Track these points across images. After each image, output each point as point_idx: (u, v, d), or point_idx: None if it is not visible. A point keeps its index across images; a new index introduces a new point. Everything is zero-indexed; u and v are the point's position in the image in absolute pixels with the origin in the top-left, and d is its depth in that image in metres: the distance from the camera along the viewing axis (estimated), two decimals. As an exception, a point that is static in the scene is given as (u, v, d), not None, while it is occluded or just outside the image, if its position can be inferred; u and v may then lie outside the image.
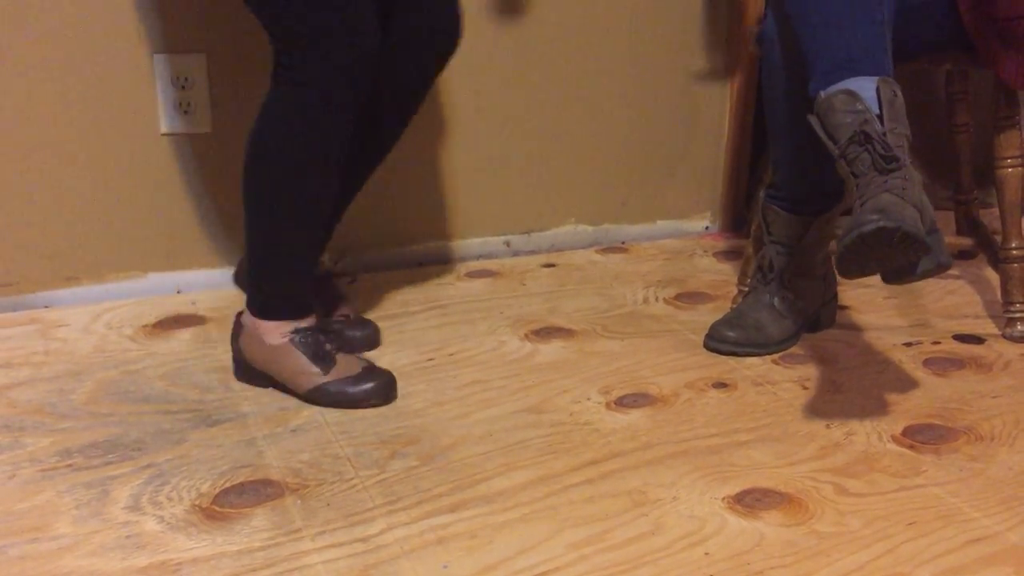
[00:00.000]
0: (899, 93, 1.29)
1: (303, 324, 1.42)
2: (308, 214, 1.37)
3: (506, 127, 2.06)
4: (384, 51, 1.43)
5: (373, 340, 1.60)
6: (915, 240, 1.17)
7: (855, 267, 1.22)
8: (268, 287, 1.42)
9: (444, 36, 1.49)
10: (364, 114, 1.45)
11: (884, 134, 1.24)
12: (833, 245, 1.46)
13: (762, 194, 1.66)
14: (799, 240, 1.62)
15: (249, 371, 1.46)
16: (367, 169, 1.56)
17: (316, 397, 1.40)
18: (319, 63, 1.28)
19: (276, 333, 1.41)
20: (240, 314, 1.46)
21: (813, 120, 1.31)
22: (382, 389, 1.41)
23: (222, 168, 1.83)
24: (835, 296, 1.73)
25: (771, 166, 1.65)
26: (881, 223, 1.16)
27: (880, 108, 1.27)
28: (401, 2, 1.45)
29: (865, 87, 1.28)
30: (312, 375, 1.40)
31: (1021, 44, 1.56)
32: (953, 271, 2.00)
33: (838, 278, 1.73)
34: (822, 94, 1.30)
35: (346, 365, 1.41)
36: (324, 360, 1.40)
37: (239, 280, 1.67)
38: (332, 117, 1.32)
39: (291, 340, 1.41)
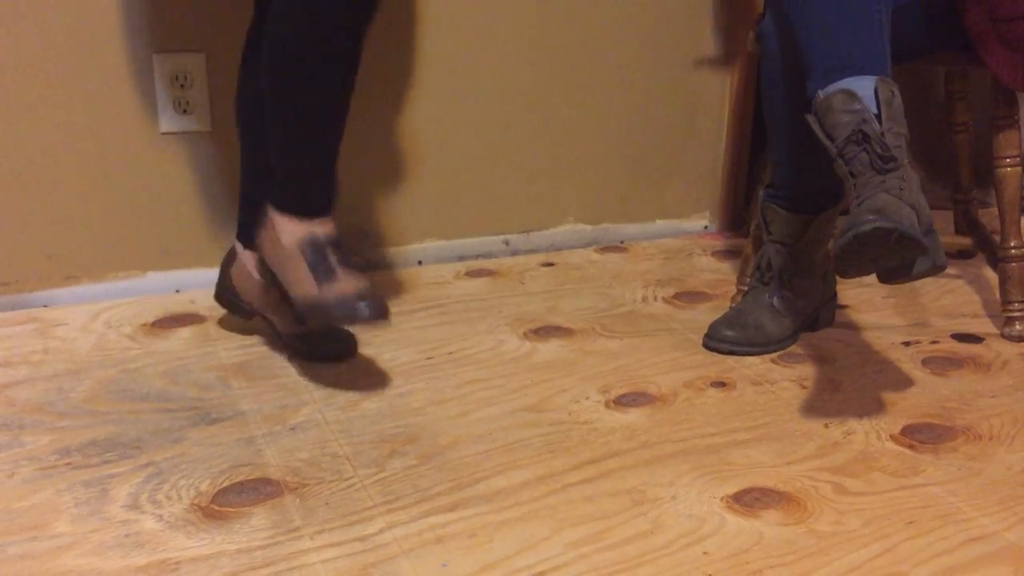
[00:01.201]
0: (897, 93, 1.29)
1: (316, 230, 1.41)
2: (322, 103, 1.37)
3: (505, 126, 2.07)
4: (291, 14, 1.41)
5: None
6: (912, 241, 1.17)
7: (851, 267, 1.23)
8: (288, 179, 1.41)
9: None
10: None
11: (882, 134, 1.25)
12: (831, 244, 1.46)
13: (761, 193, 1.67)
14: (798, 239, 1.62)
15: (235, 302, 1.54)
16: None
17: (307, 306, 1.40)
18: None
19: (289, 235, 1.42)
20: (263, 214, 1.47)
21: (811, 119, 1.31)
22: (373, 310, 1.38)
23: (221, 167, 1.83)
24: (834, 295, 1.73)
25: (770, 165, 1.65)
26: (878, 224, 1.16)
27: (878, 108, 1.27)
28: None
29: (863, 87, 1.28)
30: (307, 284, 1.40)
31: (1019, 45, 1.57)
32: (952, 270, 2.01)
33: (837, 277, 1.74)
34: (820, 94, 1.30)
35: (344, 283, 1.39)
36: (324, 274, 1.39)
37: (220, 298, 1.65)
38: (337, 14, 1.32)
39: (299, 246, 1.41)
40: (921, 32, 1.61)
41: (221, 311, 1.73)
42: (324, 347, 1.55)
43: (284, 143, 1.41)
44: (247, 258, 1.56)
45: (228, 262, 1.60)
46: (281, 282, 1.45)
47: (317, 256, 1.41)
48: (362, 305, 1.37)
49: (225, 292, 1.61)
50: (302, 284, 1.40)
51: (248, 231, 1.55)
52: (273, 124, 1.41)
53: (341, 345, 1.57)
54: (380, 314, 1.39)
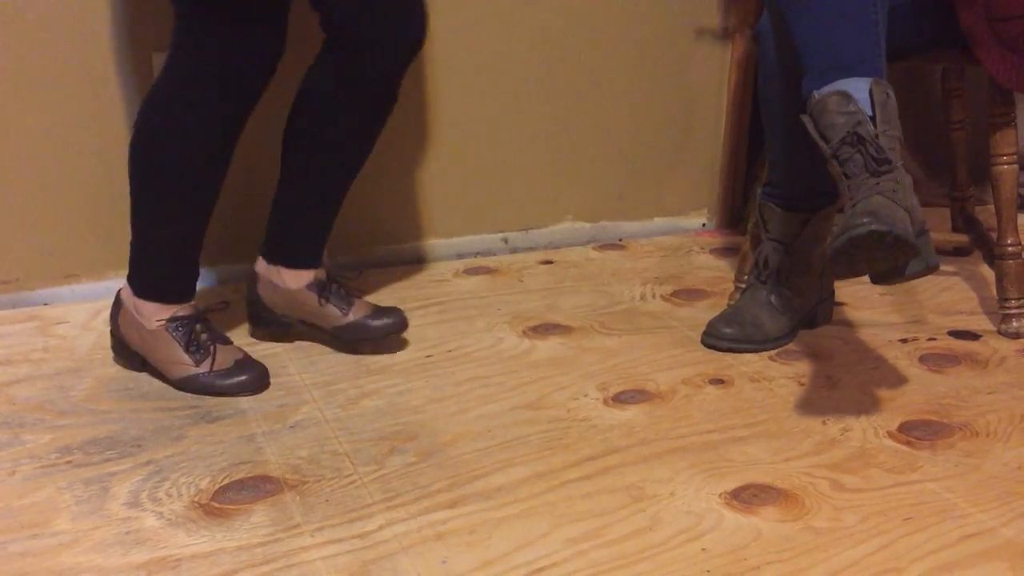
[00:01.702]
0: (892, 95, 1.30)
1: (180, 312, 1.44)
2: (189, 200, 1.39)
3: (503, 125, 2.07)
4: (345, 55, 1.44)
5: (400, 324, 1.58)
6: (905, 243, 1.18)
7: (845, 268, 1.23)
8: (147, 267, 1.44)
9: (405, 41, 1.47)
10: (333, 119, 1.48)
11: (876, 136, 1.25)
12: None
13: (759, 191, 1.67)
14: (796, 237, 1.62)
15: (126, 352, 1.49)
16: (346, 177, 1.56)
17: (187, 386, 1.43)
18: (214, 57, 1.31)
19: (152, 318, 1.44)
20: (120, 290, 1.48)
21: (806, 120, 1.31)
22: (252, 383, 1.44)
23: (220, 165, 1.83)
24: (832, 293, 1.73)
25: (768, 164, 1.66)
26: (872, 226, 1.16)
27: (873, 110, 1.27)
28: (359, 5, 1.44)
29: (858, 88, 1.28)
30: (184, 365, 1.43)
31: (1015, 44, 1.57)
32: (949, 268, 2.01)
33: (834, 275, 1.74)
34: (816, 94, 1.30)
35: (220, 357, 1.44)
36: (197, 351, 1.43)
37: (258, 321, 1.65)
38: (211, 121, 1.34)
39: (166, 327, 1.43)
40: (917, 31, 1.61)
41: (220, 310, 1.73)
42: (376, 326, 1.55)
43: (143, 234, 1.43)
44: (273, 273, 1.57)
45: (251, 285, 1.60)
46: (150, 363, 1.47)
47: (190, 335, 1.44)
48: (245, 378, 1.43)
49: (259, 312, 1.60)
50: (178, 365, 1.43)
51: (274, 249, 1.57)
52: (135, 213, 1.43)
53: (394, 317, 1.56)
54: (261, 384, 1.45)
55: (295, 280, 1.56)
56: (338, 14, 1.42)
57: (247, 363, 1.45)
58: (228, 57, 1.31)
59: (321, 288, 1.56)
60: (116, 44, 1.72)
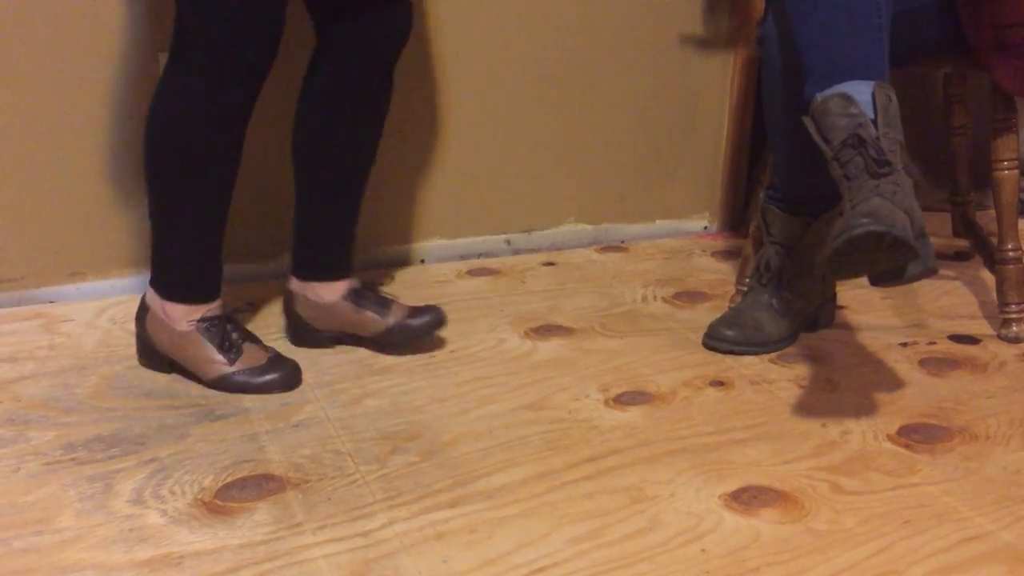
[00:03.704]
0: (894, 98, 1.30)
1: (210, 312, 1.45)
2: (206, 192, 1.39)
3: (507, 126, 2.07)
4: (337, 52, 1.46)
5: (439, 320, 1.59)
6: (904, 245, 1.18)
7: (844, 269, 1.23)
8: (171, 268, 1.44)
9: (394, 30, 1.49)
10: (332, 118, 1.49)
11: (878, 138, 1.25)
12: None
13: (762, 195, 1.67)
14: (798, 241, 1.63)
15: (152, 355, 1.49)
16: (360, 180, 1.57)
17: (221, 386, 1.44)
18: (213, 49, 1.31)
19: (183, 320, 1.44)
20: (145, 294, 1.48)
21: (808, 122, 1.32)
22: (285, 379, 1.45)
23: (225, 165, 1.84)
24: (834, 296, 1.74)
25: (770, 167, 1.66)
26: (871, 227, 1.17)
27: (875, 113, 1.27)
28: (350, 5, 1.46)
29: (861, 91, 1.29)
30: (217, 364, 1.43)
31: (1019, 50, 1.57)
32: (949, 272, 2.01)
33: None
34: (818, 97, 1.31)
35: (251, 355, 1.44)
36: (230, 350, 1.44)
37: (301, 339, 1.65)
38: (223, 102, 1.34)
39: (197, 328, 1.44)
40: (921, 36, 1.62)
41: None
42: (417, 325, 1.56)
43: (164, 234, 1.43)
44: (308, 289, 1.57)
45: (289, 305, 1.60)
46: (182, 365, 1.47)
47: (222, 335, 1.44)
48: (278, 375, 1.44)
49: (302, 332, 1.61)
50: (212, 364, 1.44)
51: (304, 266, 1.58)
52: (154, 213, 1.43)
53: (432, 315, 1.57)
54: (294, 380, 1.46)
55: (330, 293, 1.56)
56: (331, 8, 1.44)
57: (279, 360, 1.46)
58: (232, 42, 1.31)
59: (356, 296, 1.56)
60: (121, 44, 1.73)
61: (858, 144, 1.25)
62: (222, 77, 1.32)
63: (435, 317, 1.56)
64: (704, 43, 2.20)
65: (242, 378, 1.43)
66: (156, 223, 1.42)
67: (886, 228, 1.16)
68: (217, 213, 1.42)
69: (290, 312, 1.60)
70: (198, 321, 1.44)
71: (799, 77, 1.40)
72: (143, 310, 1.48)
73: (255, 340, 1.48)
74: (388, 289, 1.90)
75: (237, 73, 1.33)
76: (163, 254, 1.44)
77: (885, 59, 1.33)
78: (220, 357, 1.43)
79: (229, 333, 1.45)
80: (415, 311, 1.56)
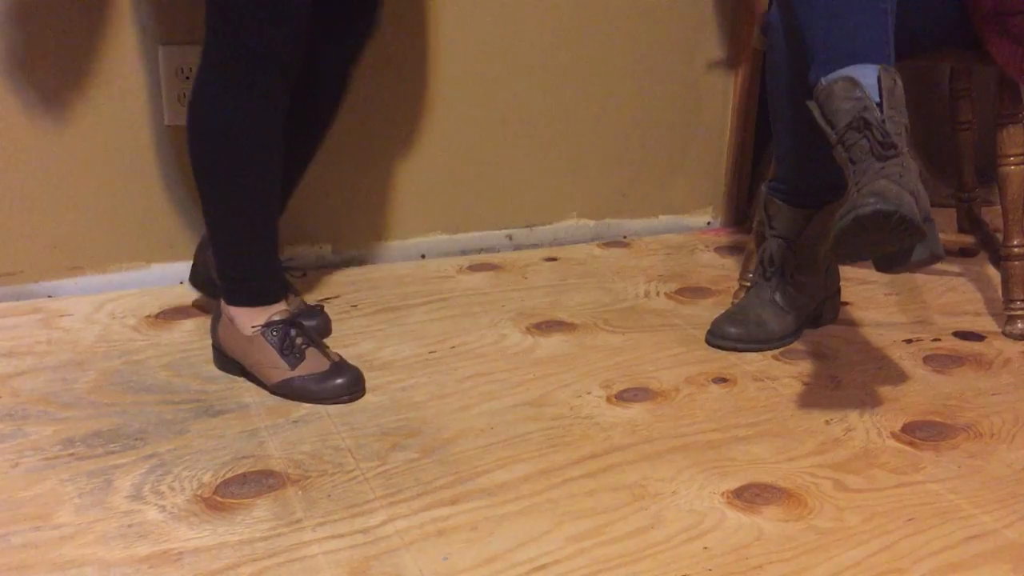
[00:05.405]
0: (899, 82, 1.29)
1: (275, 316, 1.43)
2: (255, 186, 1.39)
3: (508, 121, 2.07)
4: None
5: (323, 329, 1.61)
6: (911, 224, 1.17)
7: (849, 250, 1.22)
8: (232, 272, 1.44)
9: (364, 23, 1.51)
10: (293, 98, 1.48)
11: (883, 121, 1.24)
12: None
13: (764, 187, 1.66)
14: (800, 233, 1.62)
15: (226, 361, 1.48)
16: (305, 154, 1.57)
17: (282, 391, 1.41)
18: (245, 41, 1.31)
19: (248, 324, 1.43)
20: (219, 301, 1.48)
21: (812, 106, 1.31)
22: (348, 387, 1.41)
23: (225, 159, 1.83)
24: (838, 290, 1.73)
25: (774, 158, 1.65)
26: (879, 206, 1.15)
27: (880, 96, 1.26)
28: None
29: (866, 75, 1.28)
30: (280, 369, 1.41)
31: (1022, 37, 1.56)
32: (954, 268, 2.01)
33: (841, 272, 1.73)
34: (822, 80, 1.30)
35: (314, 361, 1.42)
36: (292, 354, 1.42)
37: (195, 280, 1.67)
38: (260, 97, 1.34)
39: (261, 332, 1.42)
40: (926, 25, 1.61)
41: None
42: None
43: (220, 236, 1.43)
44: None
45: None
46: (247, 368, 1.46)
47: (284, 339, 1.42)
48: (340, 382, 1.41)
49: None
50: (275, 369, 1.42)
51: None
52: (209, 216, 1.43)
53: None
54: (356, 388, 1.42)
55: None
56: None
57: (342, 367, 1.42)
58: (266, 32, 1.30)
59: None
60: (122, 36, 1.72)
61: (863, 127, 1.24)
62: (261, 68, 1.32)
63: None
64: (708, 38, 2.19)
65: (302, 383, 1.40)
66: (212, 225, 1.42)
67: (894, 207, 1.15)
68: (268, 208, 1.41)
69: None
70: (263, 325, 1.42)
71: (803, 66, 1.39)
72: (216, 318, 1.48)
73: (320, 345, 1.45)
74: (391, 285, 1.89)
75: (275, 62, 1.32)
76: (223, 258, 1.43)
77: (891, 44, 1.32)
78: (282, 361, 1.41)
79: (293, 338, 1.42)
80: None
